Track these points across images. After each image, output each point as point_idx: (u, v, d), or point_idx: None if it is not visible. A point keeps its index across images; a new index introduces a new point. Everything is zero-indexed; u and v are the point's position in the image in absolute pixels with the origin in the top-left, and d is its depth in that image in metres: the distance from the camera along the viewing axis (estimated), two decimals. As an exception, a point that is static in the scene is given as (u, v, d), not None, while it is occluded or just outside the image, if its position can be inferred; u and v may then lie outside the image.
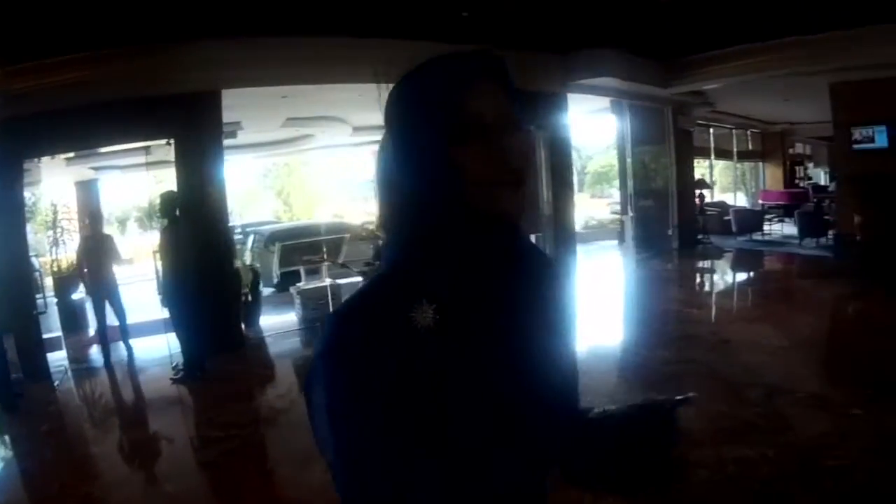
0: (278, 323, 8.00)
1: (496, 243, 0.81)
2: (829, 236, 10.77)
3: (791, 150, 16.27)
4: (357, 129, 11.18)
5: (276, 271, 9.82)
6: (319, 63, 7.17)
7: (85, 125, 6.30)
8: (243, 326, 7.34)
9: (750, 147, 15.98)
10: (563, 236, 9.81)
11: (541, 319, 0.84)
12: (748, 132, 15.67)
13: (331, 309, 5.17)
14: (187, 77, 6.47)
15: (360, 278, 7.31)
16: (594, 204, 22.70)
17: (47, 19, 5.65)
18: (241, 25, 6.43)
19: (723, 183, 17.90)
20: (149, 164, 8.59)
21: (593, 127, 13.40)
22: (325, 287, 7.89)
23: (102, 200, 12.88)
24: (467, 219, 0.78)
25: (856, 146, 9.53)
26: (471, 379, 0.76)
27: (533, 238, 9.10)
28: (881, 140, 9.27)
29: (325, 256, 8.63)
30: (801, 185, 16.08)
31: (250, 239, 11.77)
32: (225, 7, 6.26)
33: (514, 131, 0.79)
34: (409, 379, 0.73)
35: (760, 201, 14.72)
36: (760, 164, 15.86)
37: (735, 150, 15.48)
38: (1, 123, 6.03)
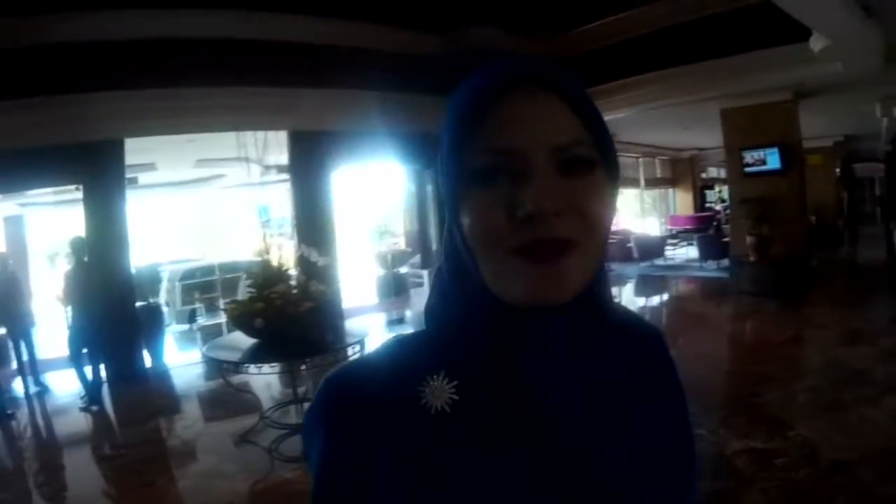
0: (184, 357, 8.38)
1: (530, 330, 0.58)
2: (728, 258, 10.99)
3: (703, 175, 16.65)
4: (268, 168, 11.04)
5: (177, 308, 10.41)
6: (216, 112, 7.50)
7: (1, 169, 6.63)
8: (149, 359, 7.64)
9: (658, 174, 16.26)
10: None
11: (613, 431, 0.60)
12: (656, 160, 15.93)
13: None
14: (91, 127, 6.81)
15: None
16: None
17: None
18: (141, 78, 6.86)
19: (635, 210, 18.24)
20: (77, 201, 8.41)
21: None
22: (222, 324, 8.28)
23: (29, 236, 13.70)
24: (479, 296, 0.59)
25: (747, 169, 9.70)
26: (483, 489, 0.56)
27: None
28: (773, 162, 9.46)
29: (221, 295, 8.71)
30: (713, 208, 16.50)
31: (165, 277, 11.64)
32: (125, 62, 6.81)
33: (564, 171, 0.55)
34: (397, 472, 0.57)
35: (669, 226, 14.92)
36: (671, 190, 16.11)
37: (642, 177, 15.71)
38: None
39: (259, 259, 5.05)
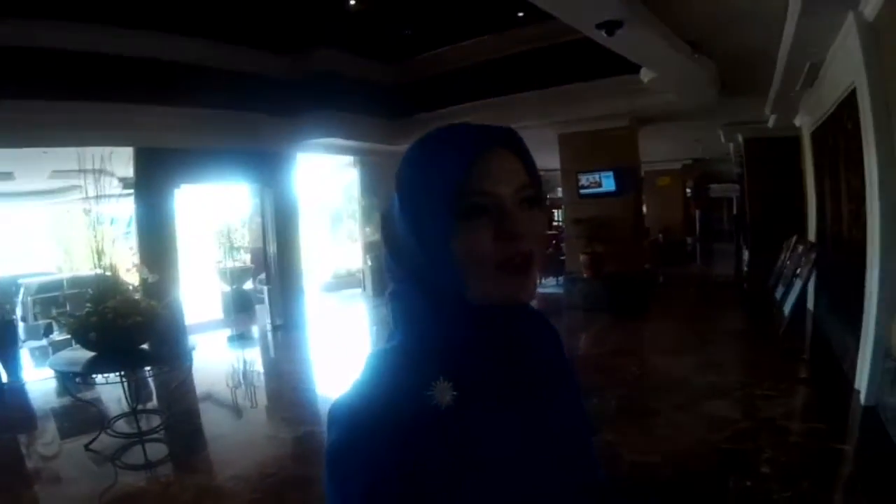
0: (39, 372, 7.97)
1: (504, 326, 0.78)
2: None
3: (551, 195, 17.30)
4: (125, 181, 10.68)
5: (30, 323, 10.22)
6: (60, 127, 7.40)
7: None
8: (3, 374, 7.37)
9: None
10: (292, 287, 10.32)
11: (553, 389, 0.84)
12: None
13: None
14: None
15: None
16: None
17: None
18: None
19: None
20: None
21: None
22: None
23: None
24: (470, 302, 0.75)
25: (583, 191, 10.16)
26: (497, 456, 0.71)
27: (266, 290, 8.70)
28: (608, 185, 9.92)
29: (70, 309, 8.21)
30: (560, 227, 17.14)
31: (22, 291, 11.37)
32: None
33: (526, 209, 0.76)
34: (431, 463, 0.67)
35: None
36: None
37: None
38: None
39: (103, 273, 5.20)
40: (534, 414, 0.77)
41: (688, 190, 19.15)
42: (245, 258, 12.01)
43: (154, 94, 7.92)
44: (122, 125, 7.74)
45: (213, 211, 12.28)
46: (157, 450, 4.73)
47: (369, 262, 12.45)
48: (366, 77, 10.22)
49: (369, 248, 12.39)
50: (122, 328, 4.63)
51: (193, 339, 6.33)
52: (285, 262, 10.18)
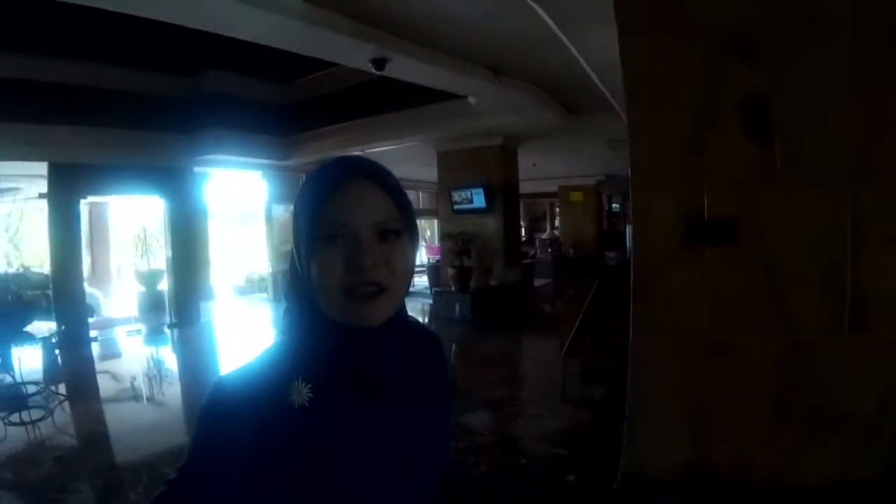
0: None
1: (354, 345, 0.83)
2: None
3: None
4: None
5: None
6: None
7: None
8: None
9: (421, 206, 17.08)
10: (194, 289, 11.23)
11: (402, 398, 0.87)
12: (420, 192, 16.75)
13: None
14: None
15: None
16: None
17: None
18: None
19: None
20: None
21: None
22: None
23: None
24: (322, 321, 0.82)
25: (456, 206, 10.41)
26: (341, 451, 0.80)
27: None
28: (479, 201, 10.20)
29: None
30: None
31: None
32: None
33: (385, 240, 0.81)
34: (275, 451, 0.77)
35: (427, 256, 15.59)
36: (436, 221, 16.93)
37: (421, 207, 16.57)
38: None
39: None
40: (378, 419, 0.84)
41: (615, 206, 19.23)
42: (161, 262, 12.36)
43: (64, 115, 8.81)
44: (35, 142, 8.67)
45: (132, 218, 12.97)
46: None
47: (271, 269, 13.33)
48: (255, 97, 10.87)
49: (275, 255, 13.11)
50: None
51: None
52: (187, 267, 11.12)
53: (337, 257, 0.79)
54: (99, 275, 15.02)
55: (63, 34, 6.28)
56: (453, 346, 8.12)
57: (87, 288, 11.83)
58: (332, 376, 0.82)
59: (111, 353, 9.13)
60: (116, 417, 5.62)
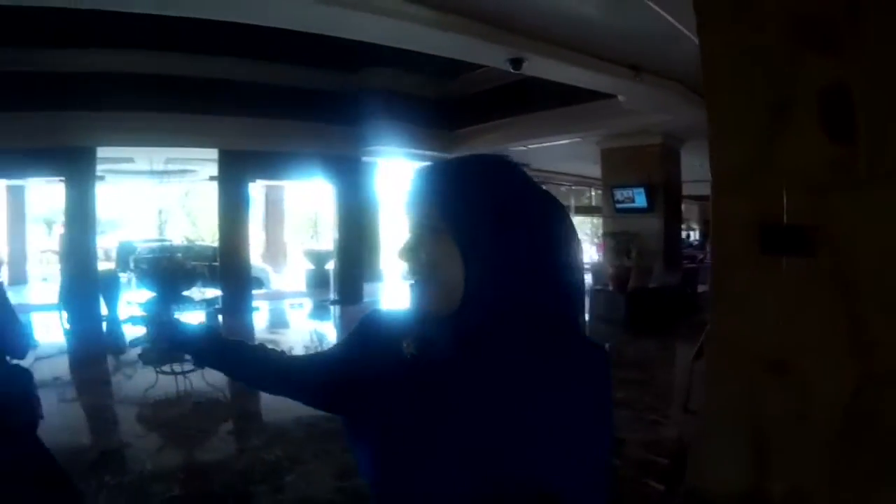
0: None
1: (415, 328, 0.93)
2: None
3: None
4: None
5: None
6: (158, 131, 9.54)
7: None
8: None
9: (593, 203, 16.54)
10: (357, 271, 11.76)
11: (493, 406, 0.82)
12: (592, 190, 16.24)
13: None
14: (71, 136, 9.06)
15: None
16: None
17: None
18: (109, 102, 8.91)
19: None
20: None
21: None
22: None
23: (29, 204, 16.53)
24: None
25: (618, 205, 10.17)
26: (394, 413, 0.89)
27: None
28: (640, 201, 9.90)
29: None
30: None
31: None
32: (100, 88, 8.89)
33: (415, 233, 0.90)
34: (375, 371, 0.94)
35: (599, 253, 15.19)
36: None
37: (573, 205, 16.07)
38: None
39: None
40: (432, 399, 0.86)
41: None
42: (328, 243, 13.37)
43: (233, 107, 9.70)
44: (208, 132, 9.75)
45: (305, 201, 14.38)
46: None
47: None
48: (419, 92, 11.35)
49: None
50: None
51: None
52: (353, 249, 11.65)
53: (401, 248, 0.90)
54: (272, 251, 16.39)
55: (233, 35, 7.03)
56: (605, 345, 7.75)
57: (259, 263, 13.04)
58: (423, 349, 0.91)
59: (271, 321, 10.16)
60: None
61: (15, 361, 2.17)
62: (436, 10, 5.27)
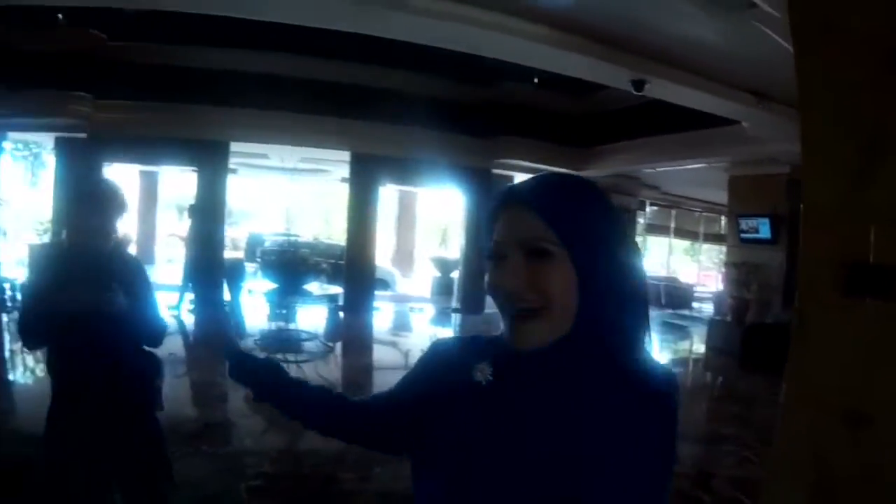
0: None
1: (503, 361, 0.88)
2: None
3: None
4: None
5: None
6: (290, 130, 10.06)
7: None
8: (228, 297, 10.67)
9: (722, 231, 15.66)
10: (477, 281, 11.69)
11: (567, 440, 0.79)
12: (723, 218, 15.40)
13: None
14: (207, 130, 9.85)
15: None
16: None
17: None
18: (245, 99, 9.62)
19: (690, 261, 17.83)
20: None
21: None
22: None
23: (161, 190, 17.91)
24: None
25: (742, 235, 9.76)
26: (468, 439, 0.86)
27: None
28: (764, 231, 9.46)
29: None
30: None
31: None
32: (236, 86, 9.61)
33: (531, 260, 0.81)
34: (443, 400, 0.91)
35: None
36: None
37: (702, 231, 15.27)
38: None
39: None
40: (511, 432, 0.83)
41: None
42: (453, 252, 13.70)
43: (366, 112, 10.08)
44: (341, 134, 10.18)
45: (436, 208, 14.83)
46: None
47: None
48: (551, 107, 11.32)
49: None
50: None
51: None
52: (477, 260, 11.52)
53: (494, 277, 0.84)
54: (401, 255, 16.74)
55: (370, 43, 7.33)
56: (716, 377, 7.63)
57: (387, 265, 13.37)
58: (501, 377, 0.87)
59: (390, 323, 10.50)
60: (365, 367, 6.79)
61: (148, 349, 2.26)
62: (561, 31, 5.42)
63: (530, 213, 0.81)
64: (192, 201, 10.19)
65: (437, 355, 1.01)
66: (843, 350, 2.61)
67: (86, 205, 2.06)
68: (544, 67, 6.45)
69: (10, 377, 6.01)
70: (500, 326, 0.88)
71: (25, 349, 2.28)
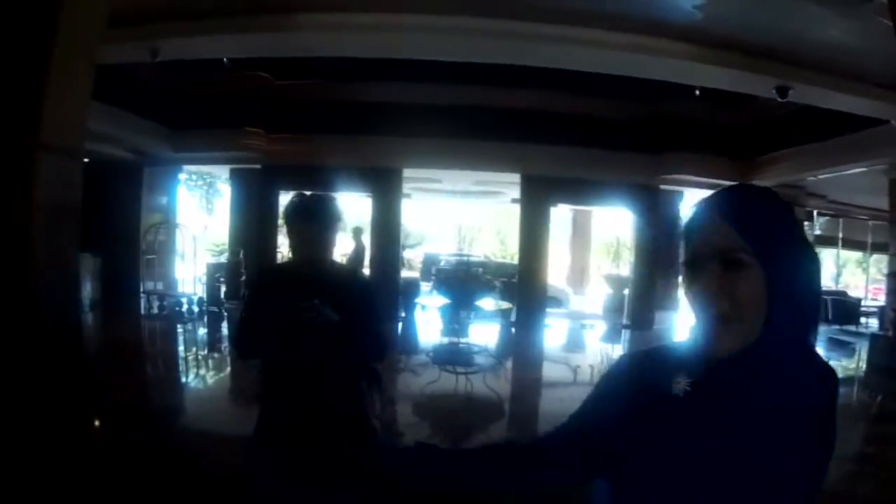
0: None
1: (695, 370, 0.90)
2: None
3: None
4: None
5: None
6: (460, 157, 10.79)
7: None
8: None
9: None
10: (649, 299, 11.98)
11: (752, 446, 0.82)
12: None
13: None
14: (381, 158, 10.69)
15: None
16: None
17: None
18: (413, 130, 10.36)
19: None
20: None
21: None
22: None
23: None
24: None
25: (907, 243, 9.16)
26: (676, 447, 0.87)
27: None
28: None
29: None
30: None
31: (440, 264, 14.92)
32: (405, 118, 10.37)
33: (725, 269, 0.85)
34: (642, 413, 0.92)
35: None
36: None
37: (870, 240, 14.19)
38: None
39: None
40: (701, 440, 0.85)
41: None
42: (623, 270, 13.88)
43: (537, 136, 10.57)
44: (510, 158, 10.78)
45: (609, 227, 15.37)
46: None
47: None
48: (711, 119, 11.24)
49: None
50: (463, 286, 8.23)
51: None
52: (649, 276, 11.87)
53: (691, 285, 0.89)
54: (576, 273, 17.09)
55: (533, 69, 7.57)
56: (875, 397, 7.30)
57: (561, 284, 13.84)
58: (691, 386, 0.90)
59: (560, 338, 10.86)
60: (533, 381, 7.10)
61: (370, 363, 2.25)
62: (702, 46, 5.77)
63: (725, 225, 0.85)
64: (356, 224, 11.24)
65: (630, 369, 1.02)
66: None
67: (307, 220, 2.03)
68: (693, 83, 6.74)
69: (183, 380, 6.93)
70: (686, 334, 0.97)
71: (239, 359, 2.45)
